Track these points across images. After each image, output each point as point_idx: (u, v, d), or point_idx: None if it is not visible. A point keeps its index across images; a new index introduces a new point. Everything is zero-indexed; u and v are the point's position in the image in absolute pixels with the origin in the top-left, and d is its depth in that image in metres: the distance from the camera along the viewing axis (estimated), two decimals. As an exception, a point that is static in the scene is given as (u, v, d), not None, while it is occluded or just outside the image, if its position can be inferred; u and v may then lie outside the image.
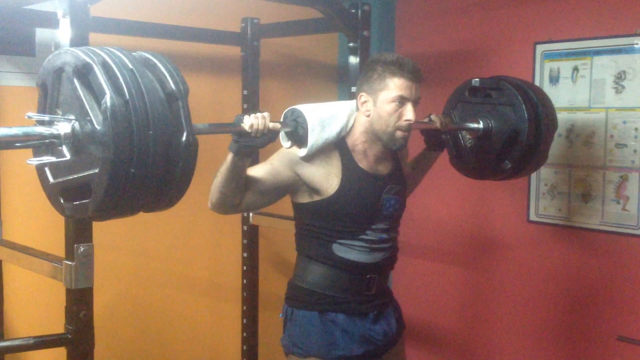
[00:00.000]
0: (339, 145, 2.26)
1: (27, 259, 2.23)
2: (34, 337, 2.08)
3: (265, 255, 3.59)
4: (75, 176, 1.57)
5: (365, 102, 2.23)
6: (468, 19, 3.56)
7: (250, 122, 1.97)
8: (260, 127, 1.98)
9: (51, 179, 1.64)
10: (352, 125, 2.28)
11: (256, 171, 2.17)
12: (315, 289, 2.26)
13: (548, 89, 3.24)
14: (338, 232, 2.24)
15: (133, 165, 1.48)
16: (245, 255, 3.39)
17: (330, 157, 2.24)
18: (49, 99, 1.62)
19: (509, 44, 3.41)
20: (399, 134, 2.21)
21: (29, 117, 1.59)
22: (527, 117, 2.46)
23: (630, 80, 2.97)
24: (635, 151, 2.97)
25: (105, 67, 1.51)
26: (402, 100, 2.18)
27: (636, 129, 2.96)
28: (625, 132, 3.01)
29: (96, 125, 1.48)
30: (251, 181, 2.14)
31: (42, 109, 1.66)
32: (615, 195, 3.05)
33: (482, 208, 3.57)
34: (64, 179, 1.61)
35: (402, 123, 2.19)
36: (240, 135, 1.99)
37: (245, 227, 3.37)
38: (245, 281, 3.38)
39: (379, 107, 2.19)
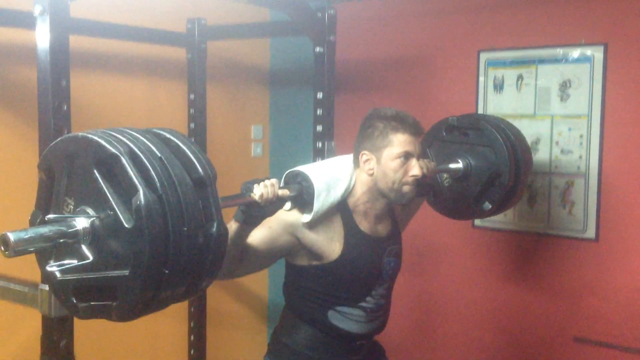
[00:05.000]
0: (340, 207, 2.17)
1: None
2: (8, 373, 1.86)
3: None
4: (94, 276, 1.37)
5: (367, 160, 2.16)
6: (411, 26, 3.57)
7: (261, 191, 1.87)
8: (270, 195, 1.89)
9: (59, 275, 1.42)
10: (353, 185, 2.21)
11: (253, 236, 2.03)
12: (302, 350, 2.19)
13: (492, 97, 3.32)
14: (337, 299, 2.18)
15: (168, 266, 1.32)
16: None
17: (332, 221, 2.15)
18: (57, 186, 1.44)
19: (453, 51, 3.44)
20: (405, 188, 2.16)
21: (49, 219, 1.39)
22: (508, 159, 2.45)
23: (575, 88, 3.08)
24: (580, 157, 3.08)
25: (133, 157, 1.33)
26: (407, 156, 2.13)
27: (581, 136, 3.08)
28: (570, 139, 3.11)
29: (125, 223, 1.31)
30: (248, 247, 2.02)
31: (45, 196, 1.48)
32: (561, 200, 3.15)
33: (428, 213, 3.58)
34: (78, 276, 1.40)
35: (409, 179, 2.15)
36: (248, 206, 1.89)
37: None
38: (192, 296, 3.21)
39: (384, 164, 2.14)
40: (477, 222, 3.39)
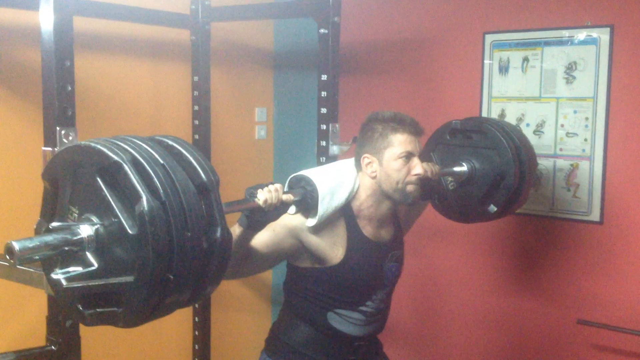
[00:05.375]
0: (344, 211, 2.19)
1: (2, 267, 1.99)
2: (15, 352, 1.86)
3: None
4: (99, 283, 1.38)
5: (369, 163, 2.18)
6: (416, 7, 3.55)
7: (264, 197, 1.88)
8: (274, 201, 1.90)
9: (65, 283, 1.43)
10: (357, 189, 2.21)
11: (257, 239, 2.05)
12: (300, 349, 2.22)
13: (497, 79, 3.30)
14: (337, 302, 2.19)
15: (172, 272, 1.33)
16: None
17: (335, 225, 2.17)
18: (61, 195, 1.45)
19: (458, 33, 3.42)
20: (409, 187, 2.17)
21: (54, 227, 1.40)
22: (512, 161, 2.45)
23: (581, 71, 3.06)
24: (585, 140, 3.07)
25: (136, 165, 1.34)
26: (408, 155, 2.15)
27: (586, 119, 3.06)
28: (575, 122, 3.10)
29: (128, 230, 1.32)
30: (252, 249, 2.04)
31: (49, 206, 1.48)
32: (565, 183, 3.14)
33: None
34: (84, 284, 1.41)
35: (412, 178, 2.16)
36: (253, 211, 1.90)
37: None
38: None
39: (386, 165, 2.15)
40: (481, 204, 3.39)
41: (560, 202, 3.16)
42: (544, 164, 3.19)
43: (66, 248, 1.36)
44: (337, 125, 2.75)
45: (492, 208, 2.49)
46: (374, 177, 2.17)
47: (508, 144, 2.47)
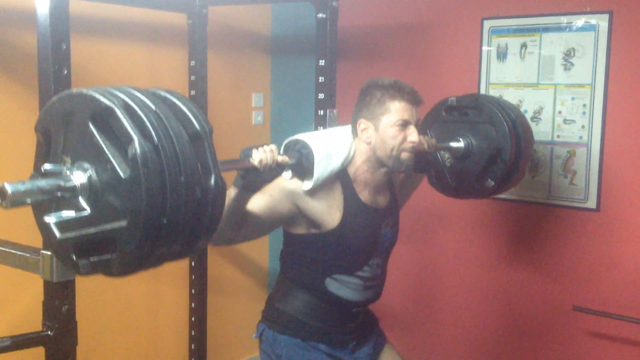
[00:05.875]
0: (340, 176, 2.17)
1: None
2: (11, 337, 1.85)
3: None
4: (93, 230, 1.37)
5: (365, 129, 2.17)
6: (414, -7, 3.53)
7: (259, 157, 1.87)
8: (269, 161, 1.89)
9: (58, 234, 1.42)
10: (353, 154, 2.20)
11: (254, 204, 2.03)
12: (298, 316, 2.22)
13: (496, 65, 3.29)
14: (334, 267, 2.19)
15: (166, 215, 1.31)
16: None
17: (332, 189, 2.15)
18: (54, 146, 1.43)
19: (457, 19, 3.41)
20: (404, 155, 2.16)
21: (46, 170, 1.38)
22: (509, 135, 2.45)
23: (579, 57, 3.05)
24: (583, 127, 3.07)
25: (128, 110, 1.32)
26: (404, 123, 2.13)
27: (584, 105, 3.06)
28: (573, 109, 3.09)
29: (121, 174, 1.30)
30: (248, 214, 2.02)
31: (43, 156, 1.46)
32: (562, 170, 3.14)
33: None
34: (78, 233, 1.39)
35: (407, 145, 2.15)
36: (248, 170, 1.88)
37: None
38: (193, 263, 3.22)
39: (382, 132, 2.14)
40: (478, 191, 3.38)
41: (558, 189, 3.16)
42: (541, 150, 3.18)
43: (59, 194, 1.36)
44: (334, 111, 2.73)
45: (490, 183, 2.50)
46: (369, 143, 2.16)
47: (504, 118, 2.47)
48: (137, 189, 1.28)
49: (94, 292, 2.92)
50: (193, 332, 3.28)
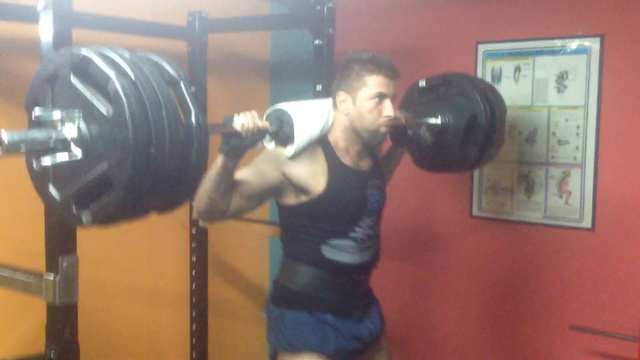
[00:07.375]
0: (322, 143, 2.28)
1: (2, 277, 2.01)
2: (15, 360, 1.90)
3: (212, 259, 3.48)
4: (88, 177, 1.45)
5: (343, 100, 2.27)
6: (409, 18, 3.60)
7: (241, 121, 1.96)
8: (251, 126, 1.97)
9: (58, 197, 1.51)
10: (332, 124, 2.31)
11: (242, 174, 2.14)
12: (303, 290, 2.28)
13: (490, 88, 3.34)
14: (327, 232, 2.25)
15: (153, 144, 1.40)
16: (193, 259, 3.26)
17: (315, 155, 2.25)
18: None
19: (451, 43, 3.47)
20: (381, 129, 2.26)
21: (38, 117, 1.46)
22: (480, 100, 2.58)
23: (572, 80, 3.11)
24: (577, 148, 3.12)
25: (105, 57, 1.44)
26: (381, 97, 2.23)
27: (578, 127, 3.11)
28: (567, 130, 3.14)
29: (105, 114, 1.39)
30: (238, 185, 2.11)
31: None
32: (557, 190, 3.19)
33: (425, 203, 3.62)
34: (74, 186, 1.48)
35: (382, 119, 2.24)
36: (230, 136, 1.97)
37: (193, 230, 3.25)
38: (194, 286, 3.25)
39: (359, 104, 2.24)
40: (475, 211, 3.43)
41: (553, 210, 3.20)
42: (536, 171, 3.23)
43: (51, 144, 1.45)
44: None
45: (472, 149, 2.60)
46: (347, 115, 2.26)
47: (474, 86, 2.62)
48: (122, 124, 1.37)
49: (95, 316, 2.96)
50: (194, 354, 3.30)
